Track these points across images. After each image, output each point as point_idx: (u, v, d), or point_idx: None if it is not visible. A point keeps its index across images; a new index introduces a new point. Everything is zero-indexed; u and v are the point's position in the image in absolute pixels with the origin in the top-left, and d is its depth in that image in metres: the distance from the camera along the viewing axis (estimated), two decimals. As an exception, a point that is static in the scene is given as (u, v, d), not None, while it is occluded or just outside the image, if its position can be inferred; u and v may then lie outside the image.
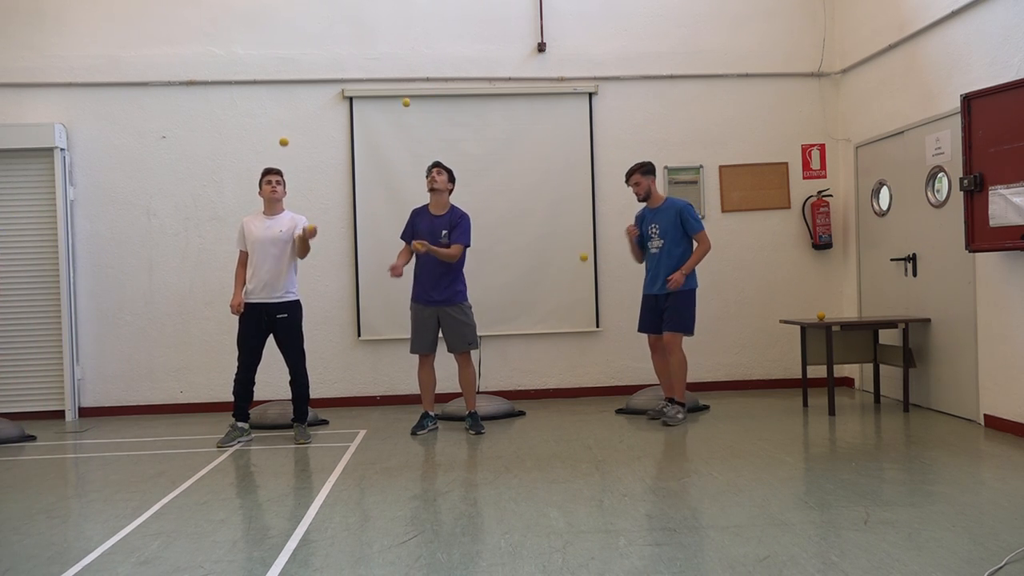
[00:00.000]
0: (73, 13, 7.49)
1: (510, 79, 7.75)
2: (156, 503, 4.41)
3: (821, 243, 7.79)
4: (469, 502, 4.27)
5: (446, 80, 7.71)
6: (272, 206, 6.08)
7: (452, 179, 6.23)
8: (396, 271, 6.05)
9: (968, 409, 6.09)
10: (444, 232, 6.07)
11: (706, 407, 6.89)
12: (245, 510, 4.29)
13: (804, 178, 7.95)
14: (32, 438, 6.49)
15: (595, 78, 7.79)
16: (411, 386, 7.26)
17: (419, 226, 6.16)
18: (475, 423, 6.20)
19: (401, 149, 7.58)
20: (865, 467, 4.74)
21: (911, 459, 4.96)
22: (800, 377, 7.08)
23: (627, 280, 7.50)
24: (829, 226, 7.79)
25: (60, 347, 7.35)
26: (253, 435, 6.23)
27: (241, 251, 6.11)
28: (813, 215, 7.80)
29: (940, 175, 6.37)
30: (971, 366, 6.02)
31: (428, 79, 7.70)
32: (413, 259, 6.22)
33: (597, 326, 7.78)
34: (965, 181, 5.59)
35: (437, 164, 6.21)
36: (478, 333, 6.37)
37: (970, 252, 5.69)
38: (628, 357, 7.70)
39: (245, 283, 6.02)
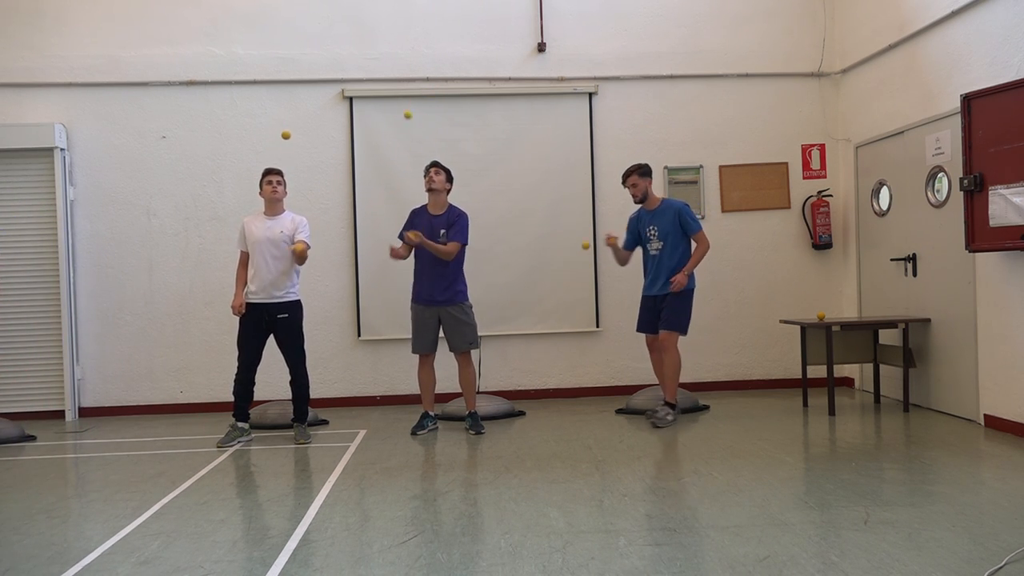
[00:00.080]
0: (73, 13, 7.49)
1: (510, 79, 7.75)
2: (156, 503, 4.42)
3: (821, 243, 7.79)
4: (469, 502, 4.27)
5: (446, 80, 7.72)
6: (273, 206, 6.08)
7: (450, 179, 6.23)
8: (397, 253, 6.04)
9: (968, 409, 6.09)
10: (442, 231, 6.07)
11: (706, 407, 6.89)
12: (245, 510, 4.29)
13: (804, 178, 7.95)
14: (32, 438, 6.49)
15: (595, 78, 7.80)
16: (411, 386, 7.26)
17: (418, 226, 6.15)
18: (475, 423, 6.20)
19: (401, 149, 7.58)
20: (865, 467, 4.74)
21: (911, 459, 4.96)
22: (800, 377, 7.09)
23: (627, 280, 7.50)
24: (829, 226, 7.79)
25: (60, 347, 7.35)
26: (253, 435, 6.23)
27: (242, 251, 6.11)
28: (813, 215, 7.80)
29: (940, 175, 6.37)
30: (971, 366, 6.02)
31: (428, 79, 7.71)
32: (413, 259, 6.23)
33: (597, 326, 7.78)
34: (965, 181, 5.59)
35: (435, 164, 6.21)
36: (479, 333, 6.37)
37: (970, 252, 5.69)
38: (628, 357, 7.70)
39: (246, 284, 6.02)
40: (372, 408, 7.50)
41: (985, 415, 5.85)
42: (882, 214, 7.27)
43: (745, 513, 3.91)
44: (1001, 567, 3.13)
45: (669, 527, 3.73)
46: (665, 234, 6.30)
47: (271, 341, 6.06)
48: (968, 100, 5.58)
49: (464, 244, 6.15)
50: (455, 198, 6.42)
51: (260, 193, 6.09)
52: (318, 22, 7.65)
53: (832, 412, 6.47)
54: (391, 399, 7.64)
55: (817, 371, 7.08)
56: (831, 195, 7.87)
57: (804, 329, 6.84)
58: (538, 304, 7.73)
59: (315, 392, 6.79)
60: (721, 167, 7.88)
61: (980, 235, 5.54)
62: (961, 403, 6.18)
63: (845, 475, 4.57)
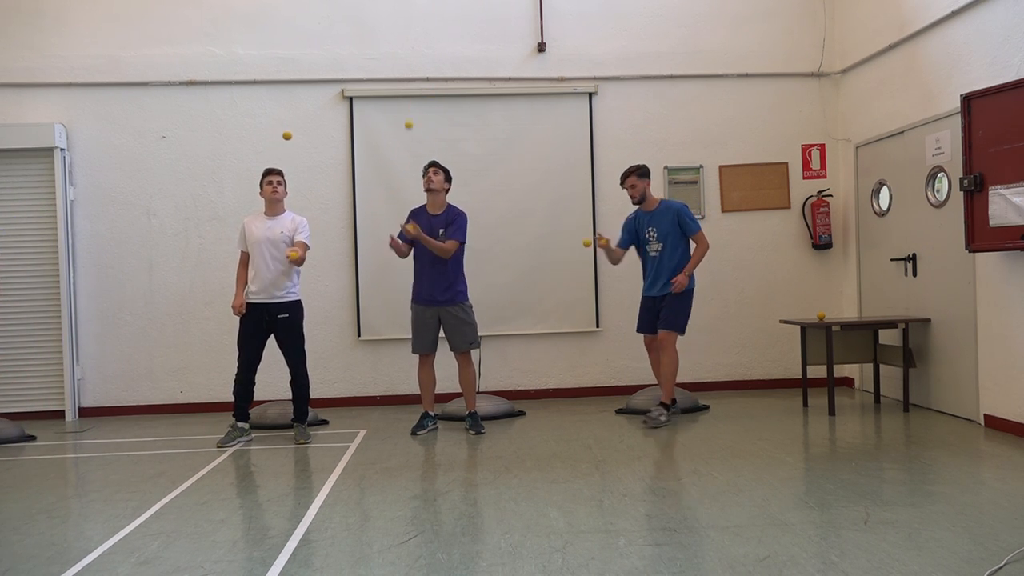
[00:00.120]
0: (73, 13, 7.49)
1: (510, 79, 7.75)
2: (156, 503, 4.42)
3: (821, 243, 7.79)
4: (469, 502, 4.27)
5: (446, 80, 7.72)
6: (273, 206, 6.08)
7: (448, 178, 6.23)
8: (396, 245, 6.02)
9: (968, 409, 6.09)
10: (441, 231, 6.07)
11: (706, 407, 6.89)
12: (245, 510, 4.29)
13: (804, 178, 7.95)
14: (32, 438, 6.49)
15: (595, 78, 7.79)
16: (411, 386, 7.26)
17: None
18: (475, 423, 6.20)
19: (401, 149, 7.58)
20: (865, 467, 4.74)
21: (911, 459, 4.96)
22: (800, 377, 7.09)
23: (627, 280, 7.50)
24: (829, 226, 7.79)
25: (60, 347, 7.35)
26: (253, 435, 6.23)
27: (242, 252, 6.11)
28: (813, 215, 7.81)
29: (940, 175, 6.37)
30: (971, 366, 6.02)
31: (428, 79, 7.71)
32: (412, 259, 6.22)
33: (597, 326, 7.78)
34: (965, 181, 5.59)
35: (433, 164, 6.20)
36: (479, 333, 6.37)
37: (970, 252, 5.69)
38: (628, 357, 7.70)
39: (246, 284, 6.02)
40: (372, 408, 7.50)
41: (985, 415, 5.85)
42: (882, 214, 7.27)
43: (745, 513, 3.91)
44: (1001, 567, 3.13)
45: (669, 527, 3.73)
46: (665, 235, 6.29)
47: (271, 341, 6.06)
48: (968, 100, 5.58)
49: (462, 242, 6.15)
50: (455, 198, 6.42)
51: (260, 193, 6.09)
52: (318, 22, 7.65)
53: (832, 412, 6.47)
54: (391, 399, 7.64)
55: (817, 371, 7.08)
56: (831, 195, 7.87)
57: (804, 329, 6.84)
58: (538, 304, 7.73)
59: (315, 392, 6.79)
60: (721, 167, 7.88)
61: (980, 235, 5.54)
62: (961, 403, 6.18)
63: (845, 475, 4.57)
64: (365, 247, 7.59)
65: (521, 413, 6.92)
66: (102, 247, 7.52)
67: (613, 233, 6.70)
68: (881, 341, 6.95)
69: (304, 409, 6.17)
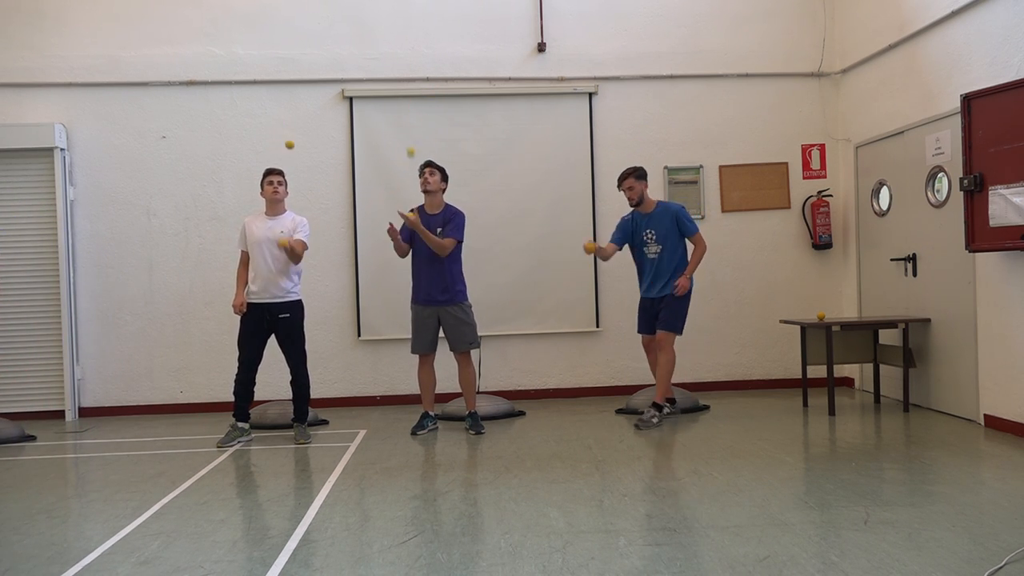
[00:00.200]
0: (73, 13, 7.49)
1: (510, 79, 7.75)
2: (156, 503, 4.42)
3: (821, 243, 7.79)
4: (469, 502, 4.27)
5: (446, 80, 7.72)
6: (274, 206, 6.08)
7: (445, 178, 6.21)
8: (395, 234, 6.00)
9: (968, 409, 6.09)
10: (439, 230, 6.07)
11: (706, 407, 6.89)
12: (245, 510, 4.29)
13: (804, 178, 7.95)
14: (32, 438, 6.49)
15: (595, 78, 7.80)
16: (411, 386, 7.26)
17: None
18: (475, 423, 6.20)
19: (401, 149, 7.57)
20: (865, 467, 4.74)
21: (911, 459, 4.96)
22: (800, 377, 7.09)
23: (627, 280, 7.48)
24: (829, 226, 7.79)
25: (60, 347, 7.35)
26: (253, 435, 6.23)
27: (242, 251, 6.11)
28: (813, 215, 7.81)
29: (940, 175, 6.37)
30: (971, 366, 6.01)
31: (428, 79, 7.71)
32: (411, 260, 6.22)
33: (597, 326, 7.78)
34: (965, 181, 5.59)
35: (429, 164, 6.18)
36: (479, 333, 6.37)
37: (970, 252, 5.69)
38: (628, 357, 7.70)
39: (247, 283, 6.02)
40: (372, 408, 7.50)
41: (985, 415, 5.85)
42: (882, 214, 7.27)
43: (745, 513, 3.91)
44: (1001, 567, 3.13)
45: (669, 527, 3.73)
46: (664, 237, 6.29)
47: (272, 341, 6.06)
48: (968, 100, 5.58)
49: (460, 241, 6.15)
50: (455, 198, 6.42)
51: (261, 193, 6.09)
52: (318, 22, 7.65)
53: (832, 412, 6.47)
54: (391, 399, 7.64)
55: (817, 371, 7.08)
56: (831, 195, 7.87)
57: (804, 329, 6.84)
58: (538, 304, 7.73)
59: (315, 392, 6.79)
60: (721, 167, 7.88)
61: (980, 235, 5.54)
62: (961, 403, 6.18)
63: (845, 475, 4.57)
64: (365, 247, 7.59)
65: (521, 413, 6.92)
66: (102, 247, 7.52)
67: (608, 233, 6.68)
68: (881, 341, 6.95)
69: (304, 409, 6.17)
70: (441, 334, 6.22)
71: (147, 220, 7.56)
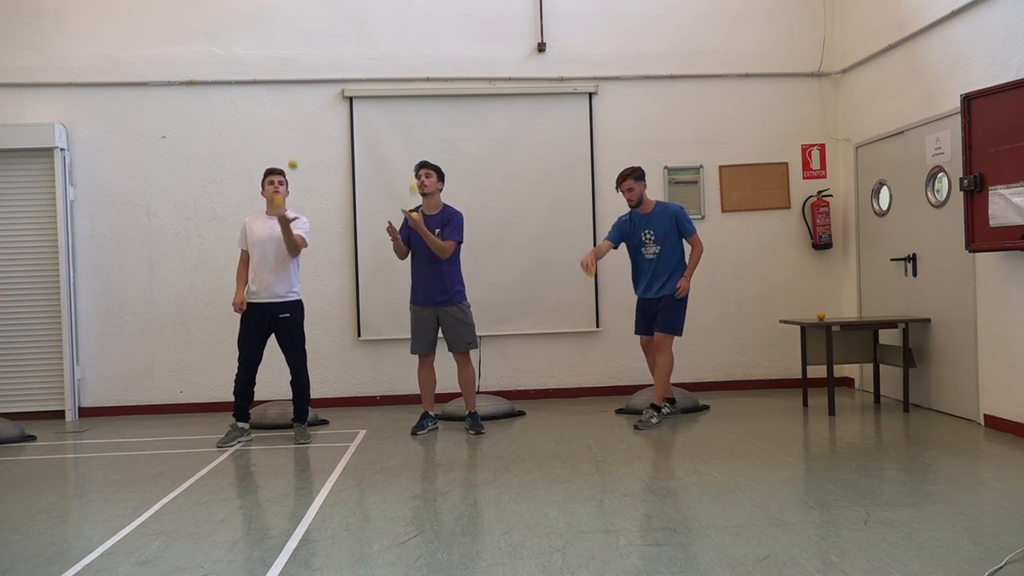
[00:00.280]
0: (73, 13, 7.49)
1: (510, 79, 7.75)
2: (156, 503, 4.42)
3: (821, 243, 7.79)
4: (469, 502, 4.27)
5: (446, 80, 7.72)
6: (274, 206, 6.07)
7: (441, 177, 6.19)
8: (395, 234, 5.99)
9: (968, 409, 6.09)
10: (437, 231, 6.05)
11: (706, 407, 6.89)
12: (245, 510, 4.29)
13: (804, 178, 7.95)
14: (32, 438, 6.49)
15: (595, 78, 7.79)
16: (411, 386, 7.26)
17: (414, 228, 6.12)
18: (475, 423, 6.20)
19: (401, 149, 7.57)
20: (865, 467, 4.74)
21: (911, 459, 4.96)
22: (800, 377, 7.09)
23: (627, 280, 7.45)
24: (829, 226, 7.79)
25: (60, 347, 7.35)
26: (253, 435, 6.23)
27: (242, 250, 6.11)
28: (813, 215, 7.81)
29: (940, 175, 6.37)
30: (971, 366, 6.01)
31: (428, 79, 7.71)
32: (410, 261, 6.22)
33: (597, 326, 7.78)
34: (965, 181, 5.59)
35: (424, 165, 6.13)
36: (479, 333, 6.37)
37: (970, 252, 5.69)
38: (628, 357, 7.69)
39: (247, 282, 6.02)
40: (372, 408, 7.50)
41: (985, 415, 5.85)
42: (882, 214, 7.26)
43: (745, 513, 3.91)
44: (1001, 567, 3.13)
45: (669, 527, 3.73)
46: (663, 238, 6.28)
47: (272, 341, 6.05)
48: (968, 100, 5.58)
49: (460, 242, 6.14)
50: (456, 198, 6.42)
51: (262, 193, 6.09)
52: (318, 22, 7.65)
53: (832, 412, 6.47)
54: (391, 399, 7.64)
55: (817, 371, 7.08)
56: (831, 195, 7.87)
57: (804, 329, 6.84)
58: (538, 304, 7.73)
59: (315, 392, 6.79)
60: (721, 167, 7.88)
61: (980, 235, 5.54)
62: (961, 403, 6.18)
63: (845, 475, 4.57)
64: (365, 247, 7.59)
65: (521, 413, 6.92)
66: (102, 247, 7.52)
67: (604, 231, 6.68)
68: (881, 341, 6.95)
69: (304, 409, 6.17)
70: (440, 334, 6.22)
71: (147, 220, 7.56)
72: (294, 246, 5.91)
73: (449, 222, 6.10)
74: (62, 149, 7.32)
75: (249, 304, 5.96)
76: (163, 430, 6.72)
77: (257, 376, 6.06)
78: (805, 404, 6.87)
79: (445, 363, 6.65)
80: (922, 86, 6.52)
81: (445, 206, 6.20)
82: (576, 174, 7.75)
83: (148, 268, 7.54)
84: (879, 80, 7.18)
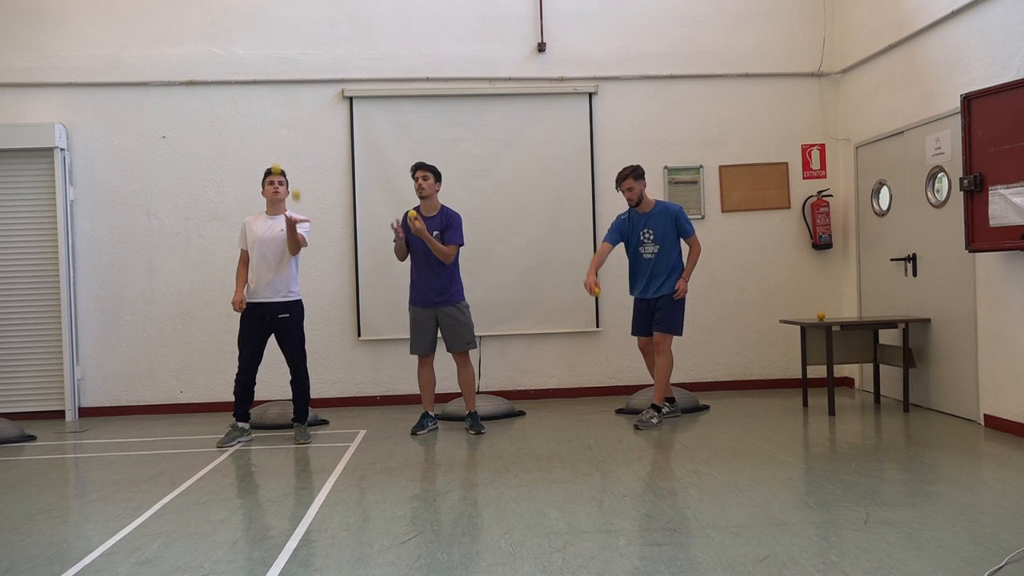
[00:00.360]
0: (73, 13, 7.49)
1: (510, 79, 7.75)
2: (156, 503, 4.42)
3: (821, 243, 7.79)
4: (469, 502, 4.27)
5: (446, 80, 7.72)
6: (275, 207, 6.07)
7: (438, 178, 6.16)
8: (399, 234, 5.99)
9: (968, 409, 6.09)
10: (436, 232, 6.04)
11: (706, 407, 6.89)
12: (245, 510, 4.29)
13: (804, 178, 7.95)
14: (32, 438, 6.49)
15: (595, 78, 7.80)
16: (411, 386, 7.26)
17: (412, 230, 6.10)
18: (475, 423, 6.20)
19: (401, 149, 7.58)
20: (865, 467, 4.74)
21: (911, 459, 4.96)
22: (800, 377, 7.09)
23: (627, 280, 7.48)
24: (829, 226, 7.79)
25: (60, 347, 7.35)
26: (253, 435, 6.23)
27: (242, 250, 6.11)
28: (813, 215, 7.81)
29: (940, 175, 6.37)
30: (971, 366, 6.02)
31: (428, 79, 7.71)
32: (409, 262, 6.21)
33: (597, 326, 7.78)
34: (965, 181, 5.59)
35: (420, 166, 6.10)
36: (479, 333, 6.37)
37: (970, 252, 5.69)
38: (628, 357, 7.69)
39: (246, 281, 6.02)
40: (372, 408, 7.50)
41: (985, 415, 5.85)
42: (882, 214, 7.27)
43: (745, 513, 3.91)
44: (1001, 567, 3.13)
45: (669, 527, 3.73)
46: (662, 237, 6.27)
47: (272, 341, 6.05)
48: (968, 100, 5.58)
49: (460, 245, 6.14)
50: (456, 198, 6.42)
51: (262, 193, 6.09)
52: (318, 22, 7.65)
53: (832, 412, 6.47)
54: (391, 399, 7.64)
55: (817, 371, 7.08)
56: (831, 195, 7.87)
57: (804, 329, 6.84)
58: (538, 304, 7.73)
59: (315, 392, 6.80)
60: (721, 167, 7.88)
61: (980, 235, 5.54)
62: (961, 403, 6.18)
63: (845, 475, 4.57)
64: (365, 247, 7.59)
65: (521, 413, 6.92)
66: (102, 247, 7.52)
67: (604, 231, 6.66)
68: (881, 341, 6.95)
69: (304, 409, 6.17)
70: (439, 335, 6.21)
71: (147, 220, 7.56)
72: (296, 245, 5.92)
73: (449, 225, 6.08)
74: (62, 149, 7.32)
75: (249, 304, 5.96)
76: (163, 430, 6.72)
77: (257, 376, 6.06)
78: (805, 404, 6.87)
79: (445, 363, 6.65)
80: (922, 86, 6.52)
81: (443, 207, 6.19)
82: (576, 174, 7.75)
83: (148, 268, 7.55)
84: (879, 80, 7.19)
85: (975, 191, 5.54)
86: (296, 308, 6.05)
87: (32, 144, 7.24)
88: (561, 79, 7.77)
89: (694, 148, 7.87)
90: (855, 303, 7.68)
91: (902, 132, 6.81)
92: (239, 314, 6.02)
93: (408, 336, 6.33)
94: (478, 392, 6.89)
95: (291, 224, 5.81)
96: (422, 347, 6.19)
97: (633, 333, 6.56)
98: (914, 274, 6.72)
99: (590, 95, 7.78)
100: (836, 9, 7.88)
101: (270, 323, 5.98)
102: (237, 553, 3.58)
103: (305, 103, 7.65)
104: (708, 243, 7.57)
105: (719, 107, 7.87)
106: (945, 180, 6.29)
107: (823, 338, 6.62)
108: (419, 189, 6.07)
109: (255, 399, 6.20)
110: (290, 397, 6.28)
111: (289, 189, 6.17)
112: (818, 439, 5.63)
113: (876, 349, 6.91)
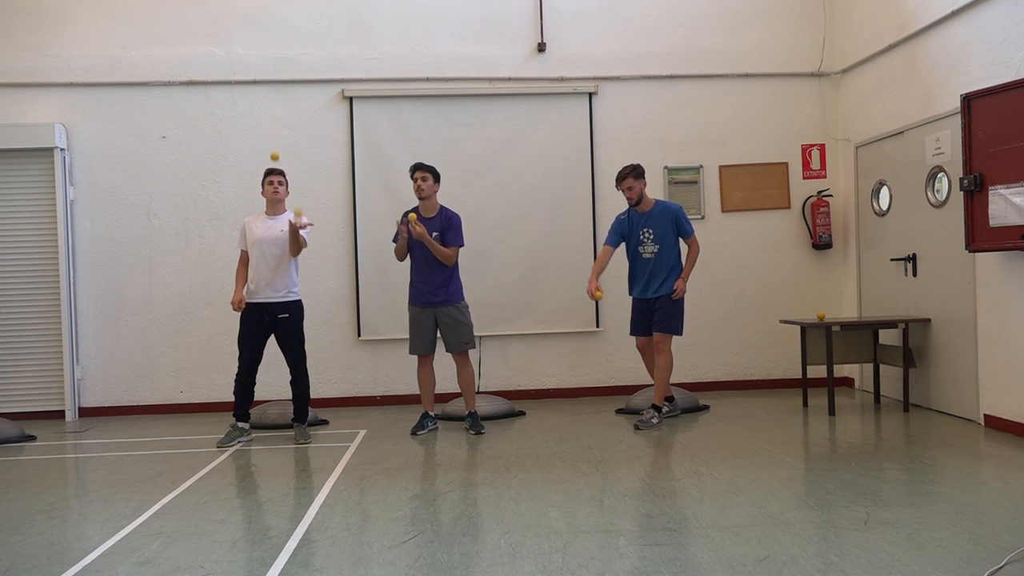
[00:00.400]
0: (73, 13, 7.49)
1: (510, 79, 7.75)
2: (156, 503, 4.42)
3: (821, 243, 7.79)
4: (469, 502, 4.27)
5: (446, 80, 7.72)
6: (274, 206, 6.07)
7: (437, 178, 6.14)
8: (402, 235, 5.97)
9: (968, 409, 6.09)
10: (435, 234, 6.04)
11: (706, 407, 6.89)
12: (245, 510, 4.29)
13: (804, 178, 7.95)
14: (32, 438, 6.49)
15: (595, 78, 7.80)
16: (411, 386, 7.26)
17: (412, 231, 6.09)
18: (475, 423, 6.20)
19: (401, 149, 7.58)
20: (865, 467, 4.74)
21: (911, 459, 4.96)
22: (800, 377, 7.09)
23: (627, 280, 7.48)
24: (829, 226, 7.79)
25: (60, 347, 7.35)
26: (253, 435, 6.23)
27: (242, 251, 6.11)
28: (813, 215, 7.81)
29: (940, 175, 6.37)
30: (971, 366, 6.02)
31: (428, 79, 7.71)
32: (409, 263, 6.21)
33: (597, 326, 7.78)
34: (965, 181, 5.59)
35: (419, 167, 6.08)
36: (479, 333, 6.36)
37: (970, 252, 5.69)
38: (628, 357, 7.69)
39: (246, 281, 6.02)
40: (372, 408, 7.50)
41: (985, 415, 5.85)
42: (882, 214, 7.27)
43: (745, 513, 3.91)
44: (1001, 567, 3.13)
45: (669, 527, 3.73)
46: (662, 237, 6.25)
47: (272, 341, 6.05)
48: (968, 100, 5.58)
49: (461, 246, 6.14)
50: (456, 198, 6.41)
51: (262, 193, 6.09)
52: (318, 22, 7.65)
53: (832, 412, 6.47)
54: (391, 399, 7.64)
55: (817, 371, 7.08)
56: (831, 195, 7.87)
57: (804, 329, 6.84)
58: (538, 304, 7.73)
59: (315, 392, 6.80)
60: (721, 167, 7.88)
61: (980, 235, 5.54)
62: (961, 403, 6.18)
63: (845, 475, 4.57)
64: (365, 247, 7.59)
65: (521, 413, 6.92)
66: (102, 247, 7.52)
67: (604, 230, 6.67)
68: (881, 341, 6.95)
69: (304, 409, 6.17)
70: (439, 335, 6.21)
71: (147, 220, 7.56)
72: (297, 248, 5.93)
73: (449, 226, 6.07)
74: (62, 149, 7.32)
75: (249, 304, 5.96)
76: (163, 430, 6.72)
77: (257, 376, 6.06)
78: (805, 404, 6.87)
79: (445, 363, 6.65)
80: (922, 86, 6.52)
81: (442, 208, 6.18)
82: (576, 174, 7.75)
83: (148, 268, 7.55)
84: (879, 80, 7.19)
85: (975, 191, 5.54)
86: (296, 308, 6.05)
87: (32, 144, 7.24)
88: (561, 79, 7.77)
89: (694, 148, 7.87)
90: (855, 303, 7.68)
91: (902, 132, 6.81)
92: (239, 314, 6.02)
93: (408, 336, 6.33)
94: (478, 392, 6.89)
95: (294, 229, 5.81)
96: (421, 347, 6.19)
97: (631, 333, 6.54)
98: (914, 274, 6.72)
99: (590, 95, 7.78)
100: (836, 9, 7.88)
101: (270, 323, 5.98)
102: (237, 553, 3.58)
103: (305, 103, 7.65)
104: (708, 243, 7.57)
105: (719, 107, 7.87)
106: (945, 180, 6.29)
107: (823, 338, 6.62)
108: (418, 190, 6.06)
109: (255, 399, 6.20)
110: (290, 397, 6.28)
111: (288, 189, 6.18)
112: (818, 439, 5.63)
113: (876, 349, 6.91)
